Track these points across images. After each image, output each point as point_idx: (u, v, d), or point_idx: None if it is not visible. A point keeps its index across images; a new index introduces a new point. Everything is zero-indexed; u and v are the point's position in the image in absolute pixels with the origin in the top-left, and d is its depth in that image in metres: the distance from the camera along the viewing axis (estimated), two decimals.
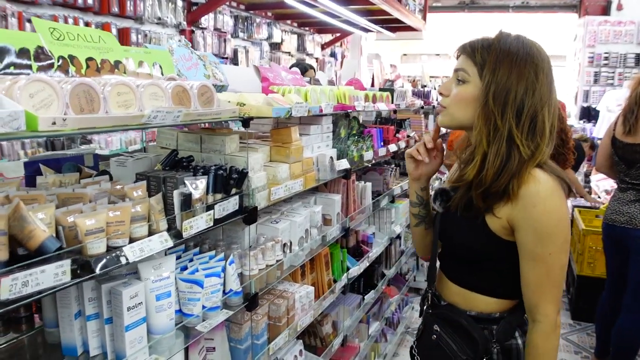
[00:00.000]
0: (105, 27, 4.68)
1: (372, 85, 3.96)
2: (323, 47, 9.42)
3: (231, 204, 1.59)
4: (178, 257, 1.66)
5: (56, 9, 4.29)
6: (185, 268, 1.59)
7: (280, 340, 1.94)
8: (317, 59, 9.11)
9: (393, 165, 3.60)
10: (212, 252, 1.70)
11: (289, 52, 8.21)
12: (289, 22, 8.20)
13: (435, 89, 4.79)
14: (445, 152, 1.56)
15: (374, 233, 3.10)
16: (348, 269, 2.63)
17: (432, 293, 1.55)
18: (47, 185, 1.45)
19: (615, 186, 3.25)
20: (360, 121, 3.19)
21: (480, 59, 1.30)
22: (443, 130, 1.57)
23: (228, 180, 1.58)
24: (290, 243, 2.04)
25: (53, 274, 1.03)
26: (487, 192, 1.29)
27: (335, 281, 2.50)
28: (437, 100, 4.54)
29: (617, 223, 3.07)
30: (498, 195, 1.29)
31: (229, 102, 1.68)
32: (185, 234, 1.38)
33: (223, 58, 6.37)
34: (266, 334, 1.91)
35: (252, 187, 1.69)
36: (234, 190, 1.62)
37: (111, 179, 1.57)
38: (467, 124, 1.35)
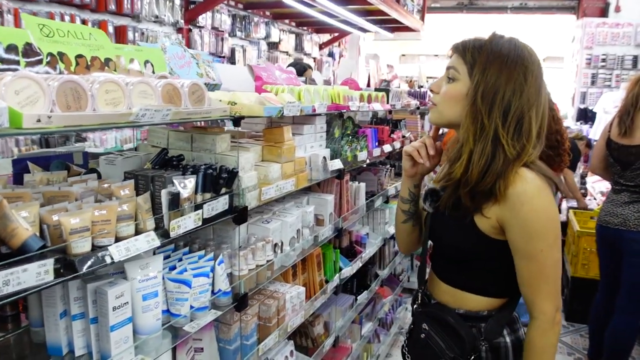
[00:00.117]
0: (102, 24, 4.66)
1: (368, 85, 3.95)
2: (321, 46, 9.41)
3: (220, 204, 1.58)
4: (167, 257, 1.66)
5: (53, 6, 4.27)
6: (174, 268, 1.58)
7: (270, 341, 1.93)
8: (314, 58, 9.09)
9: (388, 166, 3.59)
10: (202, 252, 1.69)
11: (287, 52, 8.19)
12: (287, 21, 8.18)
13: None
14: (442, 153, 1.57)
15: (367, 233, 3.10)
16: (340, 269, 2.62)
17: (423, 292, 1.56)
18: (35, 183, 1.44)
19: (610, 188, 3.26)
20: (356, 121, 3.19)
21: (471, 58, 1.32)
22: (440, 131, 1.58)
23: (218, 179, 1.56)
24: (282, 243, 2.03)
25: (35, 273, 1.02)
26: (474, 191, 1.30)
27: (327, 282, 2.49)
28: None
29: (610, 225, 3.07)
30: (485, 195, 1.30)
31: (220, 100, 1.67)
32: (172, 234, 1.37)
33: (220, 57, 6.35)
34: (256, 335, 1.90)
35: (243, 186, 1.69)
36: (223, 190, 1.61)
37: (100, 177, 1.56)
38: (456, 122, 1.37)
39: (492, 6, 10.51)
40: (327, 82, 3.73)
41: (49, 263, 1.05)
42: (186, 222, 1.42)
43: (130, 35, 4.94)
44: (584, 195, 5.37)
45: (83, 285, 1.32)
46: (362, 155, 2.75)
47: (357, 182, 2.88)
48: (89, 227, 1.17)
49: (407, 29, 8.13)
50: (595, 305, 3.44)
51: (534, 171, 1.29)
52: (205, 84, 1.94)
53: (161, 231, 1.36)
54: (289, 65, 4.54)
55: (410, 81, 5.63)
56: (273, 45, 7.85)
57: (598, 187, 5.44)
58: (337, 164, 2.38)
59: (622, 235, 3.02)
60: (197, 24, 5.96)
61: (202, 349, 1.70)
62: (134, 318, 1.38)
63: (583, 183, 6.09)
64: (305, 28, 8.81)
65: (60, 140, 3.92)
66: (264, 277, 1.90)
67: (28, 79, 1.07)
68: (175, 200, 1.39)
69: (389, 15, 6.64)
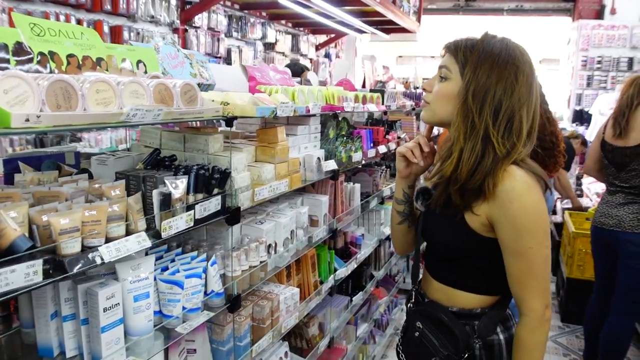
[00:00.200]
0: (97, 24, 4.65)
1: (363, 86, 3.95)
2: (317, 47, 9.41)
3: (213, 205, 1.57)
4: (160, 258, 1.65)
5: (48, 6, 4.25)
6: (166, 268, 1.58)
7: (263, 342, 1.93)
8: (311, 59, 9.09)
9: (383, 167, 3.59)
10: (195, 253, 1.69)
11: (283, 53, 8.19)
12: (283, 22, 8.18)
13: None
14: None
15: (363, 234, 3.09)
16: (335, 270, 2.62)
17: (417, 291, 1.58)
18: (25, 183, 1.43)
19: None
20: (351, 122, 3.18)
21: (463, 57, 1.33)
22: (435, 131, 1.59)
23: (210, 180, 1.56)
24: (275, 244, 2.03)
25: (24, 274, 1.01)
26: (463, 189, 1.31)
27: (322, 283, 2.48)
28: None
29: (605, 226, 3.07)
30: (475, 193, 1.31)
31: (213, 101, 1.66)
32: (164, 234, 1.36)
33: (216, 57, 6.34)
34: (249, 336, 1.90)
35: (235, 187, 1.68)
36: (216, 191, 1.60)
37: (91, 177, 1.55)
38: (448, 120, 1.38)
39: (488, 8, 10.52)
40: (322, 83, 3.72)
41: (38, 264, 1.04)
42: (178, 223, 1.41)
43: (125, 35, 4.92)
44: (579, 196, 5.38)
45: (74, 286, 1.31)
46: (357, 156, 2.75)
47: (352, 183, 2.87)
48: (79, 228, 1.16)
49: (404, 30, 8.14)
50: (590, 306, 3.44)
51: (523, 169, 1.30)
52: (198, 84, 1.94)
53: (152, 232, 1.35)
54: (286, 66, 4.54)
55: (406, 82, 5.63)
56: (269, 46, 7.84)
57: (594, 188, 5.45)
58: (331, 165, 2.38)
59: (617, 237, 3.02)
60: (193, 25, 5.95)
61: (194, 350, 1.69)
62: (125, 319, 1.37)
63: (579, 184, 6.10)
64: (301, 29, 8.80)
65: (56, 141, 3.91)
66: (258, 278, 1.90)
67: (17, 78, 1.07)
68: (166, 201, 1.38)
69: (385, 17, 6.64)
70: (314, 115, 2.28)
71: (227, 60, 6.60)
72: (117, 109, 1.25)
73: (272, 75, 2.39)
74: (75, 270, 1.12)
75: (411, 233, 1.64)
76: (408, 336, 1.54)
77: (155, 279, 1.48)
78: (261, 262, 1.89)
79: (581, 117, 8.50)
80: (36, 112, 1.06)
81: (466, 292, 1.43)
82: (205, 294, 1.64)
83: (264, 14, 7.51)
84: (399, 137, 3.59)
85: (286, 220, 2.08)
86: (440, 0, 10.59)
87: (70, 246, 1.14)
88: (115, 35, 4.85)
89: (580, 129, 8.02)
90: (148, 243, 1.30)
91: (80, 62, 1.47)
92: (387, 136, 3.40)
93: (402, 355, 1.59)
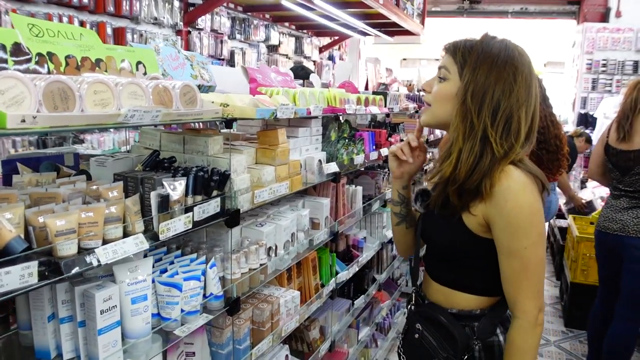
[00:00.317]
0: (100, 26, 4.65)
1: (366, 88, 3.93)
2: (321, 50, 9.39)
3: (212, 207, 1.56)
4: (159, 260, 1.64)
5: (51, 7, 4.26)
6: (165, 271, 1.57)
7: (263, 345, 1.91)
8: (314, 61, 9.08)
9: (386, 170, 3.57)
10: (194, 255, 1.68)
11: (287, 55, 8.18)
12: (286, 24, 8.17)
13: None
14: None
15: (365, 237, 3.08)
16: (337, 273, 2.60)
17: (417, 293, 1.57)
18: (23, 185, 1.42)
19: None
20: (354, 125, 3.17)
21: (462, 58, 1.33)
22: (425, 131, 1.59)
23: (209, 182, 1.55)
24: (276, 247, 2.01)
25: (19, 276, 1.01)
26: (461, 189, 1.31)
27: (323, 286, 2.47)
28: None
29: (609, 230, 3.04)
30: (472, 193, 1.31)
31: (213, 102, 1.65)
32: (162, 236, 1.35)
33: (220, 59, 6.34)
34: (249, 339, 1.88)
35: (235, 189, 1.67)
36: (215, 193, 1.59)
37: (90, 179, 1.55)
38: (447, 122, 1.38)
39: (492, 10, 10.50)
40: (325, 85, 3.71)
41: (33, 265, 1.03)
42: (176, 225, 1.40)
43: (129, 37, 4.93)
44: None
45: (71, 288, 1.30)
46: (359, 159, 2.73)
47: (354, 186, 2.86)
48: (76, 229, 1.15)
49: (408, 32, 8.11)
50: (594, 311, 3.41)
51: (520, 169, 1.30)
52: (199, 85, 1.93)
53: (150, 234, 1.34)
54: (291, 69, 4.52)
55: (410, 85, 5.61)
56: (273, 48, 7.84)
57: (599, 192, 5.42)
58: (332, 167, 2.36)
59: (621, 241, 2.99)
60: (197, 27, 5.95)
61: (193, 353, 1.68)
62: (122, 321, 1.36)
63: (584, 188, 6.07)
64: (305, 31, 8.80)
65: (58, 142, 3.91)
66: (257, 281, 1.88)
67: (14, 79, 1.06)
68: (164, 203, 1.37)
69: (388, 19, 6.62)
70: (315, 117, 2.26)
71: (231, 63, 6.60)
72: (115, 110, 1.24)
73: (273, 77, 2.38)
74: (71, 272, 1.11)
75: (410, 234, 1.64)
76: (408, 338, 1.55)
77: (153, 281, 1.47)
78: (261, 264, 1.88)
79: (586, 121, 8.45)
80: (32, 113, 1.05)
81: (465, 293, 1.42)
82: (204, 296, 1.62)
83: (267, 16, 7.51)
84: (401, 140, 3.58)
85: (287, 223, 2.07)
86: (444, 3, 10.57)
87: (66, 248, 1.13)
88: (118, 37, 4.86)
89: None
90: (145, 245, 1.29)
91: (79, 63, 1.46)
92: (389, 139, 3.38)
93: (403, 357, 1.59)
